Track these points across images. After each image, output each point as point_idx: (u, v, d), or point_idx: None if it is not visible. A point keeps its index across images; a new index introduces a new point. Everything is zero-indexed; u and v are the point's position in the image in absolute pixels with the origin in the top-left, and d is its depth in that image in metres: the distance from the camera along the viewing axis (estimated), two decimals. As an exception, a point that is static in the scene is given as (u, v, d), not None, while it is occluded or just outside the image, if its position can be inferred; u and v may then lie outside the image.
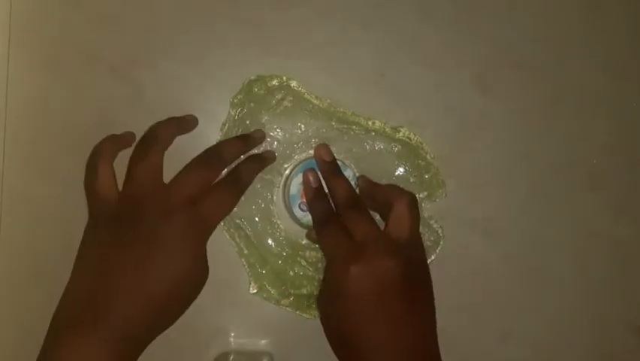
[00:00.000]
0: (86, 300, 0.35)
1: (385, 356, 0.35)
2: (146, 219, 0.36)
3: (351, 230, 0.38)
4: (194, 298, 0.38)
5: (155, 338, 0.37)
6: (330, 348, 0.44)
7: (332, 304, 0.37)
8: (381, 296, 0.36)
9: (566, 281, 0.45)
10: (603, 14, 0.46)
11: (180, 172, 0.39)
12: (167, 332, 0.43)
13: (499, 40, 0.45)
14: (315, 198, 0.42)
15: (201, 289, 0.39)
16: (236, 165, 0.42)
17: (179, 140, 0.41)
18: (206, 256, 0.39)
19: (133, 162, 0.39)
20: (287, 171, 0.44)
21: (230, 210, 0.40)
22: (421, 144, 0.44)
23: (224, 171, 0.42)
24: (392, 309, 0.36)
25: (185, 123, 0.42)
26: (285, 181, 0.44)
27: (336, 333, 0.37)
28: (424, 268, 0.39)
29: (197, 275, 0.38)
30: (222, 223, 0.44)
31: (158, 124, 0.41)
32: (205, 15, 0.44)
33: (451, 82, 0.45)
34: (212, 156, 0.40)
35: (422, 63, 0.45)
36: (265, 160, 0.43)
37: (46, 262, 0.42)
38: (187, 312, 0.44)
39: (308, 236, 0.44)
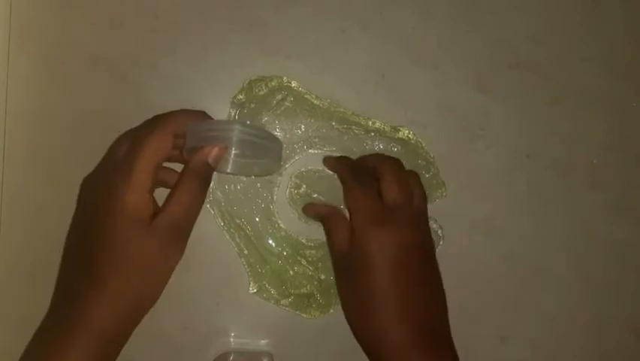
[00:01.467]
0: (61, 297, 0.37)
1: (398, 326, 0.36)
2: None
3: (383, 190, 0.38)
4: (166, 282, 0.37)
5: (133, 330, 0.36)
6: (329, 348, 0.44)
7: (354, 265, 0.37)
8: (402, 264, 0.37)
9: (565, 281, 0.45)
10: (603, 14, 0.46)
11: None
12: (167, 331, 0.44)
13: (499, 40, 0.45)
14: (342, 158, 0.42)
15: (173, 268, 0.37)
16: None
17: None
18: (174, 249, 0.36)
19: None
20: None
21: (200, 209, 0.37)
22: (421, 143, 0.44)
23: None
24: (409, 279, 0.37)
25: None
26: None
27: (354, 295, 0.37)
28: (432, 244, 0.40)
29: (165, 266, 0.36)
30: (222, 223, 0.44)
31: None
32: (205, 15, 0.44)
33: (451, 82, 0.45)
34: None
35: (422, 63, 0.45)
36: None
37: (45, 262, 0.42)
38: (187, 312, 0.44)
39: (306, 211, 0.43)
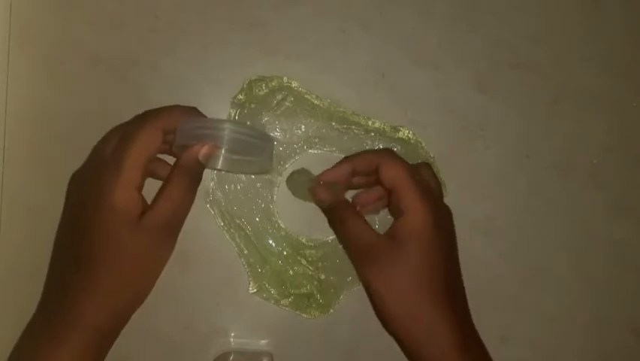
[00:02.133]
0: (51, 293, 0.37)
1: (448, 302, 0.36)
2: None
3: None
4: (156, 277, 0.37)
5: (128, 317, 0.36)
6: (329, 348, 0.44)
7: (403, 242, 0.36)
8: (452, 240, 0.39)
9: (565, 281, 0.45)
10: (603, 14, 0.46)
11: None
12: (167, 331, 0.44)
13: (499, 40, 0.45)
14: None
15: (164, 265, 0.37)
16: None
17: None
18: (160, 246, 0.36)
19: None
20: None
21: (190, 207, 0.37)
22: (421, 143, 0.44)
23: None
24: (456, 257, 0.39)
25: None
26: None
27: (399, 275, 0.36)
28: None
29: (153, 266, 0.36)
30: (222, 223, 0.44)
31: None
32: (205, 15, 0.44)
33: (451, 82, 0.45)
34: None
35: (422, 63, 0.45)
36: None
37: (45, 262, 0.42)
38: (187, 312, 0.44)
39: (312, 191, 0.40)
